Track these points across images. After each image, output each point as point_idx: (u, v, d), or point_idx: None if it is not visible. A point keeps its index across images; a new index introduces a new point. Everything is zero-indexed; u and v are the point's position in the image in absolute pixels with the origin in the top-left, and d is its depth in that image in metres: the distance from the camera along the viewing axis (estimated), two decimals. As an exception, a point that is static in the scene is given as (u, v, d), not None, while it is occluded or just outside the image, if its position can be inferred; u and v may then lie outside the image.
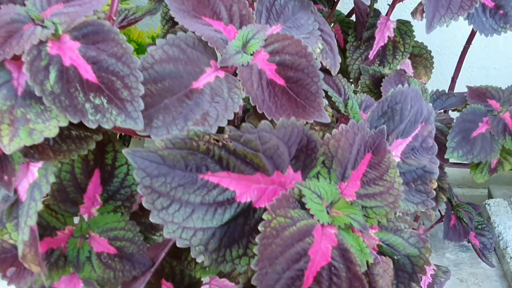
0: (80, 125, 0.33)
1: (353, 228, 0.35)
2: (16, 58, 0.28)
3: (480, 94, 0.63)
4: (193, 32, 0.34)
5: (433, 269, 1.03)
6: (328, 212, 0.34)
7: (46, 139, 0.33)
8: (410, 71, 0.77)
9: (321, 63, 0.46)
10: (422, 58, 0.76)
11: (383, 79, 0.63)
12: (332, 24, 0.79)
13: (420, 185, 0.43)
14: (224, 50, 0.35)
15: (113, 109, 0.30)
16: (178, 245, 0.30)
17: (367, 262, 0.33)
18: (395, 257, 0.36)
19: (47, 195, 0.35)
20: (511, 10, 0.61)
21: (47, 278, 0.33)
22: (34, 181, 0.31)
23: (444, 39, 0.99)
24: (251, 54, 0.36)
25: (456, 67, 0.77)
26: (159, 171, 0.30)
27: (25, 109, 0.28)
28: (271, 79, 0.37)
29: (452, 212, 1.04)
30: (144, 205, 0.30)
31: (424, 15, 0.48)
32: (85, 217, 0.36)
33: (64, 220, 0.35)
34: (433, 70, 0.77)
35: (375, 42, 0.66)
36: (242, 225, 0.33)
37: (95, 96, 0.29)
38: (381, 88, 0.62)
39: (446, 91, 0.69)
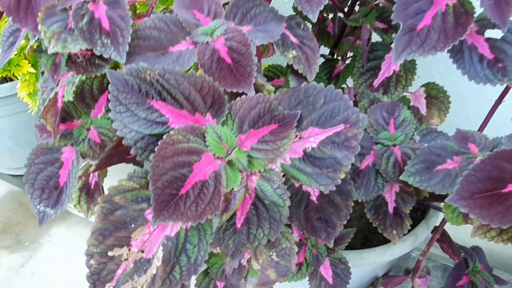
0: (100, 57, 0.54)
1: (241, 170, 0.48)
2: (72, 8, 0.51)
3: (465, 137, 0.66)
4: (176, 15, 0.53)
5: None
6: (227, 155, 0.48)
7: (81, 61, 0.55)
8: (423, 109, 0.82)
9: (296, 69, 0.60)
10: (438, 100, 0.80)
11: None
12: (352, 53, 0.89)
13: (330, 172, 0.53)
14: (195, 31, 0.53)
15: (112, 47, 0.50)
16: (117, 133, 0.48)
17: (232, 189, 0.46)
18: (266, 201, 0.48)
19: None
20: (510, 65, 0.63)
21: (57, 140, 0.55)
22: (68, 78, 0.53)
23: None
24: (216, 37, 0.53)
25: (483, 122, 0.79)
26: (124, 89, 0.49)
27: (68, 35, 0.50)
28: (222, 58, 0.53)
29: (466, 273, 0.97)
30: (109, 106, 0.49)
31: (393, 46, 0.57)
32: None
33: (80, 115, 0.57)
34: (447, 115, 0.80)
35: (381, 73, 0.75)
36: (167, 142, 0.50)
37: (106, 38, 0.51)
38: (368, 110, 0.70)
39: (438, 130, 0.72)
